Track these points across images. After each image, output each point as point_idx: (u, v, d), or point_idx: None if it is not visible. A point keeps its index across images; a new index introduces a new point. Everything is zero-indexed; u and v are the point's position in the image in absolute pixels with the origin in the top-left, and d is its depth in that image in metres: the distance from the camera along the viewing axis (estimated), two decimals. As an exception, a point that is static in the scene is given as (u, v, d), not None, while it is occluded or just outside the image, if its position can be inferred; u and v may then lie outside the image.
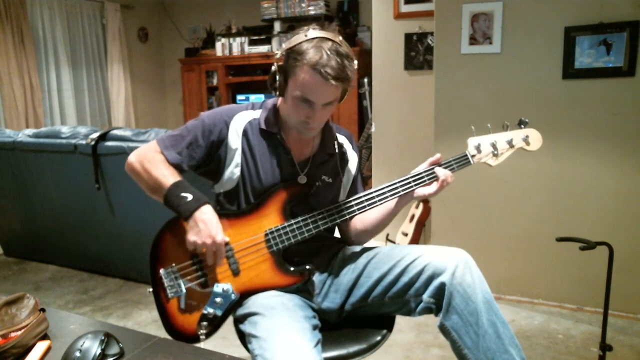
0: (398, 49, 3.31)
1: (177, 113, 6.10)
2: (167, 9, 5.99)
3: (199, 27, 5.81)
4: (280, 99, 1.37)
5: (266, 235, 1.30)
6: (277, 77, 1.27)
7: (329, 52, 1.19)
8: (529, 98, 2.44)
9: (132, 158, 1.32)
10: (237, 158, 1.34)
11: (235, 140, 1.34)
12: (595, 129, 2.36)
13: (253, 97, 5.22)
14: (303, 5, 4.79)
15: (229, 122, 1.35)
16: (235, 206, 1.37)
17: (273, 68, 1.27)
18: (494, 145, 1.36)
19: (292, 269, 1.31)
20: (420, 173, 1.33)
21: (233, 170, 1.35)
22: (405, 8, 3.26)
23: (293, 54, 1.22)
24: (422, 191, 1.33)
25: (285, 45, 1.25)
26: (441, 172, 1.31)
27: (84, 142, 2.84)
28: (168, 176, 1.27)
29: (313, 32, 1.23)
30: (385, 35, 3.35)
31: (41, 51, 4.79)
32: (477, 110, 2.54)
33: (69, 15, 5.03)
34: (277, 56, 1.27)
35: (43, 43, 4.81)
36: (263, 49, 5.08)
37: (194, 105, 5.53)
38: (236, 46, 5.24)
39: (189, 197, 1.24)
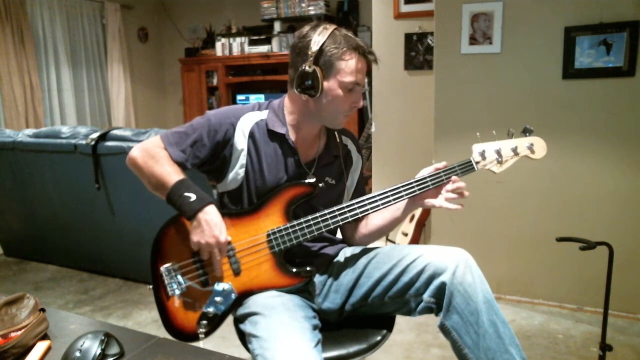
0: (398, 49, 3.31)
1: (177, 113, 6.10)
2: (167, 9, 5.99)
3: (199, 27, 5.81)
4: (286, 99, 1.37)
5: (268, 235, 1.30)
6: (310, 78, 1.26)
7: (351, 35, 1.29)
8: (529, 98, 2.44)
9: (135, 152, 1.31)
10: (243, 159, 1.34)
11: (241, 141, 1.34)
12: (595, 129, 2.36)
13: (253, 97, 5.22)
14: (303, 5, 4.79)
15: (236, 123, 1.34)
16: (238, 206, 1.36)
17: (306, 68, 1.25)
18: (498, 153, 1.35)
19: (293, 270, 1.30)
20: (425, 178, 1.32)
21: (238, 171, 1.34)
22: (405, 8, 3.26)
23: (327, 49, 1.25)
24: (431, 202, 1.32)
25: (314, 46, 1.25)
26: (456, 180, 1.32)
27: (84, 142, 2.84)
28: (172, 174, 1.26)
29: (327, 25, 1.28)
30: (385, 35, 3.35)
31: (41, 51, 4.79)
32: (477, 110, 2.54)
33: (69, 15, 5.03)
34: (310, 58, 1.25)
35: (43, 43, 4.81)
36: (263, 49, 5.08)
37: (194, 105, 5.54)
38: (236, 46, 5.24)
39: (193, 196, 1.23)
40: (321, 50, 1.25)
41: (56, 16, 4.88)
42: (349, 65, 1.26)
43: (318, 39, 1.25)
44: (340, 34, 1.27)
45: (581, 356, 2.11)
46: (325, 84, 1.27)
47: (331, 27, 1.28)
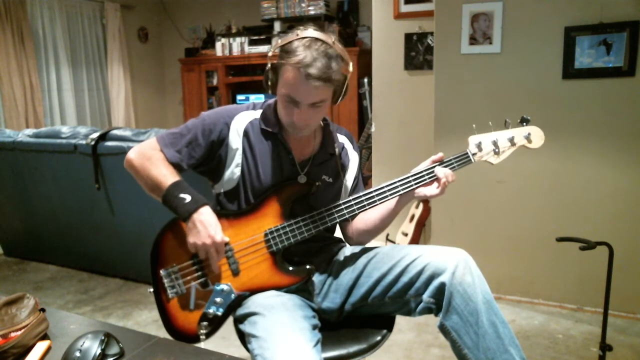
0: (398, 49, 3.31)
1: (177, 113, 6.10)
2: (167, 9, 5.99)
3: (199, 27, 5.81)
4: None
5: (266, 235, 1.30)
6: (270, 76, 1.28)
7: (315, 53, 1.19)
8: (529, 98, 2.44)
9: (132, 155, 1.32)
10: (238, 158, 1.34)
11: (236, 140, 1.34)
12: (595, 129, 2.36)
13: (253, 97, 5.22)
14: (303, 5, 4.79)
15: (230, 123, 1.35)
16: (235, 206, 1.37)
17: (267, 66, 1.28)
18: (495, 143, 1.34)
19: (291, 268, 1.30)
20: (421, 172, 1.32)
21: (233, 170, 1.35)
22: (405, 8, 3.26)
23: (283, 52, 1.23)
24: (423, 191, 1.31)
25: (277, 43, 1.26)
26: (441, 172, 1.29)
27: (84, 142, 2.84)
28: (167, 176, 1.27)
29: (306, 31, 1.23)
30: (385, 35, 3.35)
31: (41, 51, 4.79)
32: (477, 110, 2.54)
33: (69, 15, 5.03)
34: (270, 54, 1.27)
35: (43, 43, 4.80)
36: (263, 49, 5.08)
37: (194, 105, 5.54)
38: (236, 46, 5.24)
39: (188, 198, 1.24)
40: (279, 53, 1.25)
41: (56, 16, 4.88)
42: (286, 77, 1.22)
43: (284, 40, 1.24)
44: (304, 44, 1.20)
45: (581, 356, 2.11)
46: (277, 86, 1.28)
47: (305, 33, 1.22)
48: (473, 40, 2.50)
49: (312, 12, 4.77)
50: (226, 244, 1.27)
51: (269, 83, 1.29)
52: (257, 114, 1.38)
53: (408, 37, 3.26)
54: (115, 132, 2.83)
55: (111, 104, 5.46)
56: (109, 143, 2.78)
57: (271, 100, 1.41)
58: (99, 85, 5.40)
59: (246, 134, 1.35)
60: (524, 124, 1.35)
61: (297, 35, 1.23)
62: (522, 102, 2.45)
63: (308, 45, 1.20)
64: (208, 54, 5.46)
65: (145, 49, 5.94)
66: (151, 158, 1.29)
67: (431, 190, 1.31)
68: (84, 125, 3.73)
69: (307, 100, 1.23)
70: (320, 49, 1.20)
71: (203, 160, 1.35)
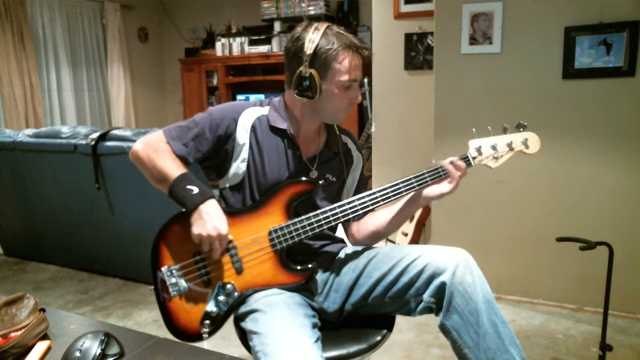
0: (398, 49, 3.31)
1: (177, 113, 6.10)
2: (167, 9, 5.99)
3: (199, 27, 5.81)
4: (286, 96, 1.38)
5: (270, 234, 1.30)
6: (316, 81, 1.26)
7: (344, 32, 1.29)
8: (529, 98, 2.44)
9: (138, 146, 1.31)
10: (244, 153, 1.35)
11: (243, 135, 1.34)
12: (595, 129, 2.36)
13: (253, 97, 5.22)
14: (303, 5, 4.79)
15: (238, 118, 1.35)
16: (239, 201, 1.37)
17: (302, 72, 1.26)
18: (494, 148, 1.37)
19: (296, 267, 1.31)
20: (423, 172, 1.33)
21: (239, 165, 1.35)
22: (405, 8, 3.26)
23: (321, 51, 1.26)
24: (439, 189, 1.32)
25: (308, 49, 1.26)
26: (451, 167, 1.31)
27: (84, 142, 2.84)
28: (174, 168, 1.27)
29: (319, 25, 1.28)
30: (385, 35, 3.35)
31: (41, 51, 4.79)
32: (477, 110, 2.54)
33: (69, 15, 5.03)
34: (305, 61, 1.26)
35: (43, 43, 4.80)
36: (263, 49, 5.08)
37: (194, 105, 5.54)
38: (236, 46, 5.24)
39: (195, 190, 1.24)
40: (315, 52, 1.25)
41: (56, 16, 4.87)
42: (344, 64, 1.27)
43: (311, 40, 1.26)
44: (332, 32, 1.27)
45: (581, 356, 2.11)
46: (323, 85, 1.28)
47: (322, 27, 1.28)
48: (473, 40, 2.50)
49: (312, 12, 4.77)
50: (229, 241, 1.27)
51: (318, 87, 1.27)
52: (265, 110, 1.39)
53: (408, 37, 3.27)
54: (115, 132, 2.83)
55: (111, 104, 5.46)
56: (109, 143, 2.78)
57: (277, 98, 1.42)
58: (99, 85, 5.40)
59: (253, 129, 1.35)
60: (521, 129, 1.39)
61: (317, 30, 1.27)
62: (522, 102, 2.45)
63: (333, 32, 1.28)
64: (208, 54, 5.46)
65: (145, 49, 5.94)
66: (158, 150, 1.29)
67: (444, 187, 1.32)
68: (84, 125, 3.73)
69: (361, 74, 1.33)
70: (339, 29, 1.30)
71: (209, 154, 1.35)
